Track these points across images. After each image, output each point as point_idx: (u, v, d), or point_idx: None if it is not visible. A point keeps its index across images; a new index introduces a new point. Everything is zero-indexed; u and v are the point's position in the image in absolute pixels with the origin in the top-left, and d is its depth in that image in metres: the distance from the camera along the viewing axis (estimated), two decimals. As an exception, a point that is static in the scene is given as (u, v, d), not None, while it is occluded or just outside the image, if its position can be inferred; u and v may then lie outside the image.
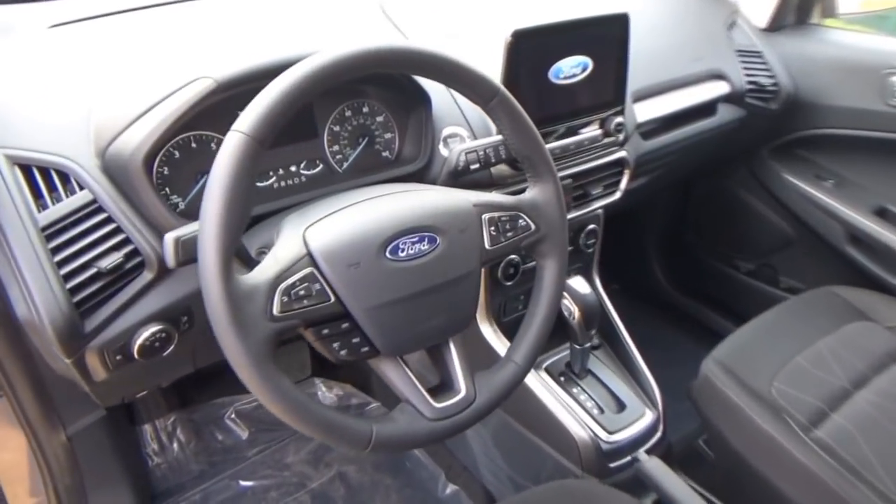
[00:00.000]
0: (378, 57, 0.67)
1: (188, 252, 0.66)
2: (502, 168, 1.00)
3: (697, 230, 1.87)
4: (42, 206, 0.77)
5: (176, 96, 0.77)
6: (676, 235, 1.91)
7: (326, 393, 1.56)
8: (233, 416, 1.47)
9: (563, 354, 1.21)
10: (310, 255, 0.67)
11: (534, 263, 0.86)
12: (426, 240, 0.72)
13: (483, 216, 0.77)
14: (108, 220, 0.79)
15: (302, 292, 0.65)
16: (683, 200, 1.84)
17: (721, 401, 1.11)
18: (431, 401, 0.72)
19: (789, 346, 1.18)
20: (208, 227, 0.60)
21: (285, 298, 0.64)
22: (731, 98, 1.41)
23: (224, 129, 0.83)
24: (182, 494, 1.33)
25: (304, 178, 0.95)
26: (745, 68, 1.43)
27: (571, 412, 1.10)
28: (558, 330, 1.20)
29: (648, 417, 1.14)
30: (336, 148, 0.97)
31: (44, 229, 0.76)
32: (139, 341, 0.81)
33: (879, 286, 1.44)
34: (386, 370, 0.73)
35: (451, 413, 0.73)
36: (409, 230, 0.71)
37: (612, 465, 1.09)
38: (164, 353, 0.85)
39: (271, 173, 0.93)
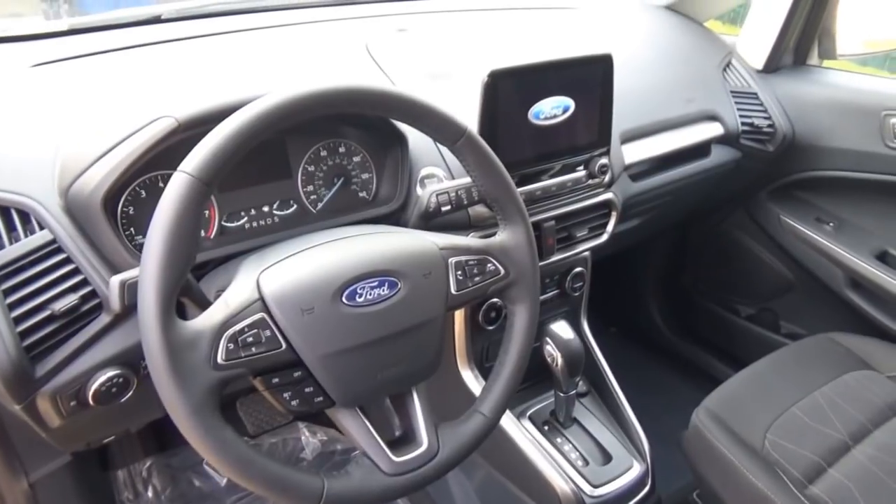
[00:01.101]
0: (332, 97, 0.65)
1: (133, 296, 0.64)
2: (480, 209, 0.97)
3: (695, 273, 1.83)
4: (-1, 245, 0.75)
5: (137, 136, 0.75)
6: (673, 278, 1.87)
7: (310, 438, 1.51)
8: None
9: (548, 402, 1.16)
10: (262, 299, 0.65)
11: None
12: (386, 284, 0.69)
13: (450, 260, 0.74)
14: (67, 260, 0.77)
15: (250, 339, 0.62)
16: (681, 243, 1.80)
17: (712, 453, 1.06)
18: (390, 454, 0.69)
19: (785, 395, 1.13)
20: (148, 270, 0.58)
21: (231, 345, 0.61)
22: (725, 139, 1.38)
23: None
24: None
25: (276, 219, 0.93)
26: (740, 110, 1.41)
27: (554, 464, 1.05)
28: (544, 376, 1.17)
29: (636, 470, 1.09)
30: (310, 188, 0.95)
31: (5, 265, 0.74)
32: (94, 387, 0.78)
33: (881, 332, 1.39)
34: (342, 420, 0.69)
35: (411, 468, 0.69)
36: (367, 274, 0.68)
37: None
38: (122, 399, 0.82)
39: (243, 213, 0.91)
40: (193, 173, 0.59)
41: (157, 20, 1.18)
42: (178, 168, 0.60)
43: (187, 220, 0.59)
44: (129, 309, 0.64)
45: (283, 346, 0.64)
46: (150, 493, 1.32)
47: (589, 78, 1.01)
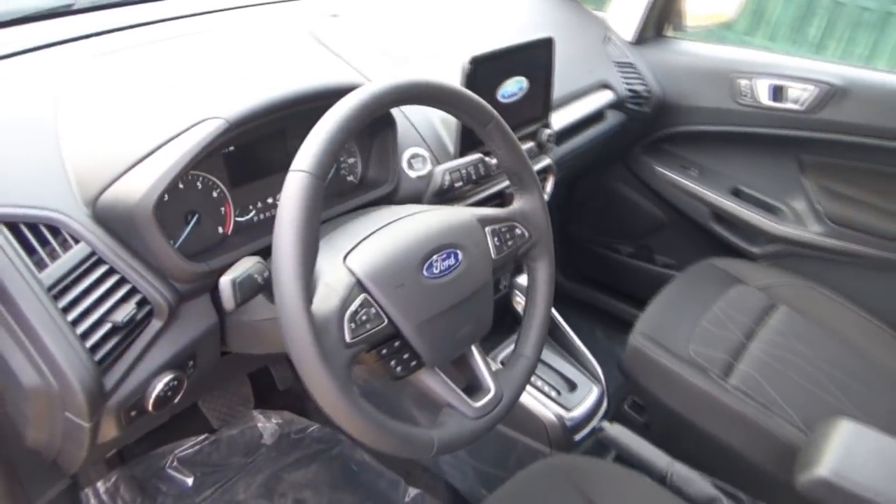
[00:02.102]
0: (409, 91, 0.72)
1: (245, 293, 0.67)
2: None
3: (582, 222, 2.08)
4: (40, 265, 0.72)
5: (184, 138, 0.76)
6: (563, 230, 2.10)
7: (266, 424, 1.53)
8: (174, 463, 1.40)
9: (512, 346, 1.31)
10: (359, 281, 0.71)
11: None
12: (452, 256, 0.78)
13: (486, 229, 0.85)
14: (111, 271, 0.76)
15: (364, 317, 0.69)
16: (569, 197, 2.03)
17: (653, 367, 1.29)
18: (471, 402, 0.79)
19: (693, 313, 1.39)
20: (287, 268, 0.62)
21: (352, 325, 0.68)
22: (615, 105, 1.60)
23: (210, 167, 0.83)
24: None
25: (280, 209, 0.96)
26: (623, 78, 1.63)
27: (535, 398, 1.21)
28: (504, 323, 1.32)
29: (596, 391, 1.28)
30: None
31: (50, 289, 0.71)
32: (154, 393, 0.79)
33: (739, 254, 1.72)
34: (427, 381, 0.78)
35: (489, 410, 0.80)
36: (438, 248, 0.77)
37: (576, 438, 1.21)
38: (175, 401, 0.83)
39: (251, 207, 0.93)
40: (311, 171, 0.64)
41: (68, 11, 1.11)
42: (293, 167, 0.64)
43: (313, 215, 0.64)
44: (240, 306, 0.67)
45: (386, 320, 0.72)
46: (122, 506, 1.28)
47: (538, 58, 1.15)
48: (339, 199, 0.98)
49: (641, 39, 1.73)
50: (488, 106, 0.82)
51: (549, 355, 1.32)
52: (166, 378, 0.80)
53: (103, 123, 0.82)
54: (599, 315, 2.05)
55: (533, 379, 1.26)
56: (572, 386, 1.28)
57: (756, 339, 1.34)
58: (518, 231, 0.88)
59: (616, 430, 1.17)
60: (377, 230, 0.77)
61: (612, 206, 1.97)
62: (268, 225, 0.93)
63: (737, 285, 1.49)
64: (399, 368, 0.74)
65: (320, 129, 0.66)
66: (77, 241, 0.75)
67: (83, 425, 0.74)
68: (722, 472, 1.15)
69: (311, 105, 0.82)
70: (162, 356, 0.79)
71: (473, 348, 0.84)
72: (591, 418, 1.24)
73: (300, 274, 0.62)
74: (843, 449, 0.95)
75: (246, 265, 0.69)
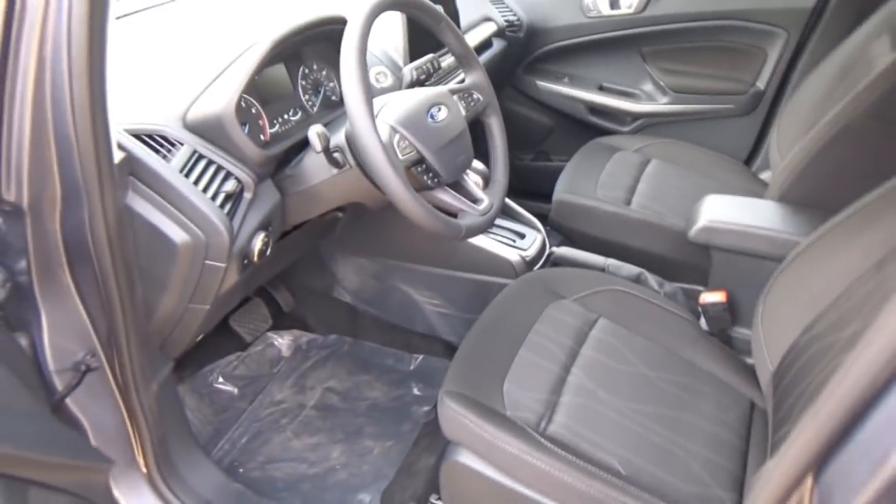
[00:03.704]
0: (394, 2, 1.09)
1: (325, 139, 1.01)
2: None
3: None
4: (166, 158, 1.02)
5: (244, 58, 1.08)
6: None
7: (281, 340, 1.82)
8: (220, 379, 1.67)
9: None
10: (392, 127, 1.07)
11: None
12: (441, 109, 1.15)
13: (454, 96, 1.23)
14: (210, 162, 1.07)
15: (403, 144, 1.05)
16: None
17: (576, 209, 1.71)
18: (476, 207, 1.17)
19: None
20: (359, 104, 0.97)
21: (398, 147, 1.04)
22: (498, 34, 2.02)
23: (248, 90, 1.14)
24: (216, 443, 1.52)
25: (292, 123, 1.28)
26: (499, 11, 2.06)
27: (500, 245, 1.60)
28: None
29: (539, 236, 1.69)
30: (306, 97, 1.32)
31: (181, 170, 1.01)
32: (257, 246, 1.11)
33: (608, 131, 2.20)
34: (444, 197, 1.15)
35: (487, 211, 1.19)
36: (434, 104, 1.14)
37: (535, 268, 1.62)
38: (267, 255, 1.14)
39: (275, 121, 1.25)
40: (358, 47, 0.99)
41: None
42: (345, 43, 0.99)
43: (366, 72, 0.99)
44: (324, 151, 1.01)
45: (414, 150, 1.08)
46: (188, 414, 1.55)
47: (447, 5, 1.54)
48: (331, 110, 1.33)
49: (501, -20, 2.17)
50: (441, 10, 1.20)
51: (501, 220, 1.71)
52: (261, 235, 1.12)
53: (176, 62, 1.12)
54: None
55: (494, 235, 1.66)
56: (521, 236, 1.68)
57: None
58: (475, 96, 1.27)
59: (562, 250, 1.59)
60: (393, 98, 1.13)
61: (509, 123, 2.38)
62: (286, 134, 1.24)
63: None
64: (428, 180, 1.11)
65: (352, 26, 1.01)
66: (183, 144, 1.05)
67: (220, 266, 1.04)
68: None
69: (323, 28, 1.16)
70: (255, 218, 1.11)
71: (468, 174, 1.21)
72: (542, 252, 1.66)
73: (368, 108, 0.97)
74: (710, 207, 1.42)
75: (316, 129, 1.03)
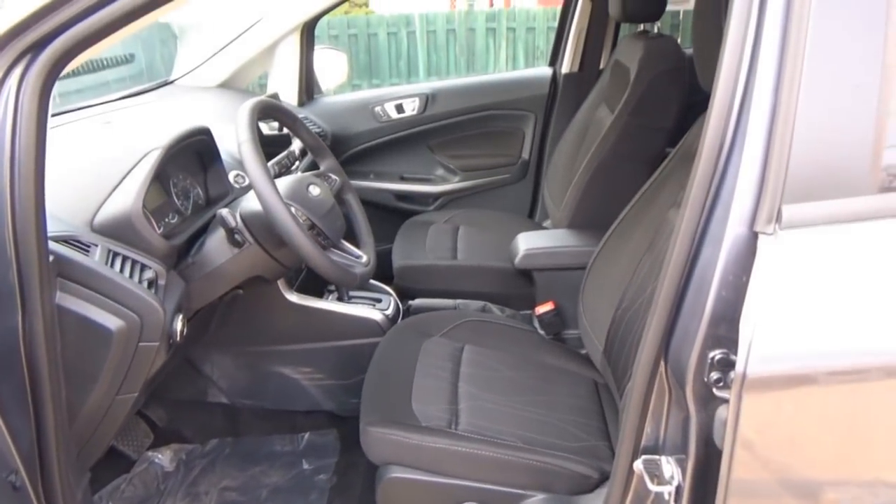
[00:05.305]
0: (265, 108, 1.34)
1: (232, 216, 1.21)
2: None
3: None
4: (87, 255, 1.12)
5: (141, 165, 1.23)
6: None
7: (162, 457, 1.80)
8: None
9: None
10: (287, 202, 1.29)
11: None
12: (313, 187, 1.40)
13: (317, 179, 1.48)
14: (126, 257, 1.18)
15: (297, 213, 1.28)
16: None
17: (417, 269, 2.01)
18: (359, 261, 1.42)
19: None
20: (263, 182, 1.18)
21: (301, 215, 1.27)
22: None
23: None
24: None
25: (173, 225, 1.42)
26: (307, 124, 2.36)
27: (366, 310, 1.83)
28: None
29: (392, 298, 1.95)
30: (180, 202, 1.47)
31: (105, 263, 1.12)
32: (179, 326, 1.23)
33: (417, 212, 2.57)
34: (333, 254, 1.38)
35: (368, 263, 1.44)
36: (308, 183, 1.39)
37: (398, 322, 1.86)
38: (184, 335, 1.26)
39: (160, 224, 1.39)
40: (248, 138, 1.21)
41: None
42: (239, 140, 1.20)
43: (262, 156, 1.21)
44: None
45: (306, 216, 1.31)
46: None
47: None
48: (200, 214, 1.49)
49: (302, 102, 2.49)
50: (297, 115, 1.47)
51: (354, 292, 1.95)
52: (179, 317, 1.23)
53: (78, 173, 1.23)
54: None
55: (354, 302, 1.88)
56: (378, 300, 1.93)
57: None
58: (332, 177, 1.53)
59: (417, 302, 1.87)
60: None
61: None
62: (183, 229, 1.38)
63: (432, 225, 2.27)
64: (322, 241, 1.33)
65: (240, 121, 1.23)
66: (97, 245, 1.15)
67: (153, 346, 1.14)
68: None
69: (190, 140, 1.36)
70: (173, 301, 1.23)
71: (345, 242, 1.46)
72: (398, 309, 1.92)
73: (275, 189, 1.19)
74: (524, 240, 1.82)
75: (223, 211, 1.21)
